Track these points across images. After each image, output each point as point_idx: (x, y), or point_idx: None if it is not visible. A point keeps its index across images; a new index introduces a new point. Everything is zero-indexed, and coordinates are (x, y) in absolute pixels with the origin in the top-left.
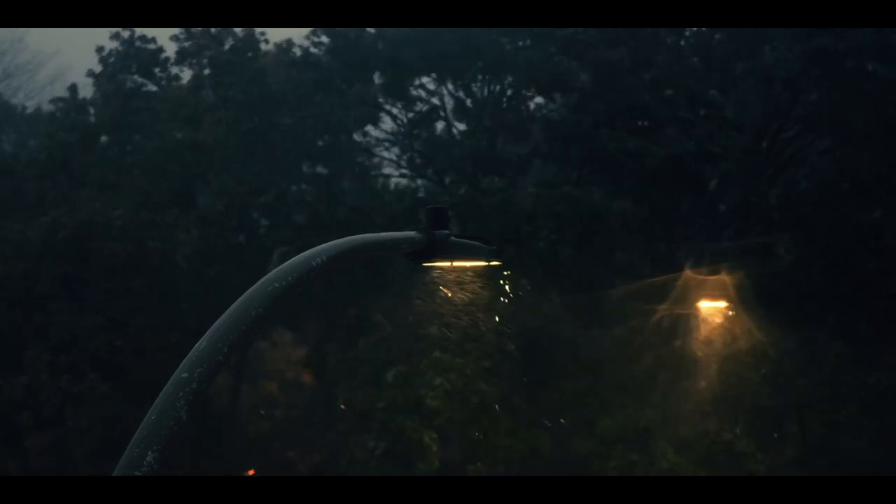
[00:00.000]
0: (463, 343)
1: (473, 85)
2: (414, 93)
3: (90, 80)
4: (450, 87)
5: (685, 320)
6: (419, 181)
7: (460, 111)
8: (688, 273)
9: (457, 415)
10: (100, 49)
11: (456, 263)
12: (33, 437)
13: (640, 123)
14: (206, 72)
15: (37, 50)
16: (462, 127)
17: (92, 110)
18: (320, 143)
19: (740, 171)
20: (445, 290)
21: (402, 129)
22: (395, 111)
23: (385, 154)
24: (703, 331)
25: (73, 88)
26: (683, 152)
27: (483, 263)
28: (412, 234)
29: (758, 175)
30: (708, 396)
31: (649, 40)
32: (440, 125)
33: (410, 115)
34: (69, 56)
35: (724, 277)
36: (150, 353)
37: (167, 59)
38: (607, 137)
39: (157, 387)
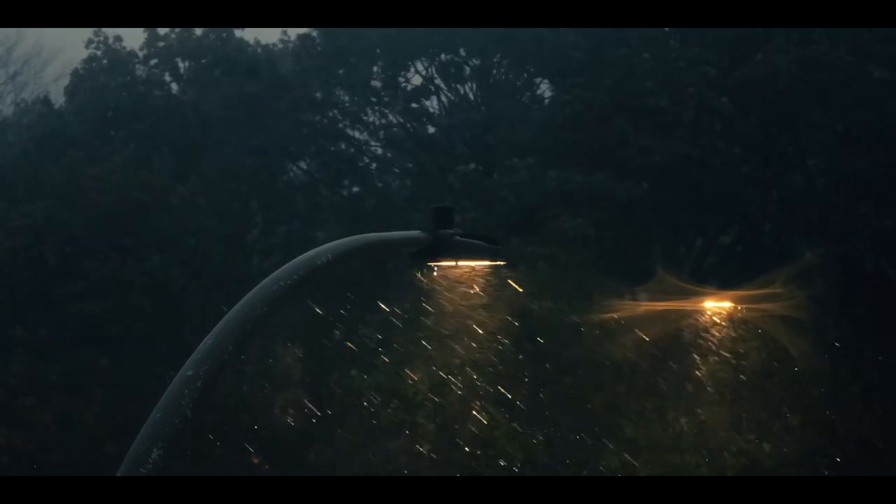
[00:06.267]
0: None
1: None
2: (401, 80)
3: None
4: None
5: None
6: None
7: (459, 95)
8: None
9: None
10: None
11: (461, 263)
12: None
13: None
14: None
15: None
16: (460, 113)
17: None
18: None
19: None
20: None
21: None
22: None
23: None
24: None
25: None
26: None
27: (488, 263)
28: (416, 233)
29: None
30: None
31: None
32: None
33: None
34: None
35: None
36: None
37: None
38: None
39: None
